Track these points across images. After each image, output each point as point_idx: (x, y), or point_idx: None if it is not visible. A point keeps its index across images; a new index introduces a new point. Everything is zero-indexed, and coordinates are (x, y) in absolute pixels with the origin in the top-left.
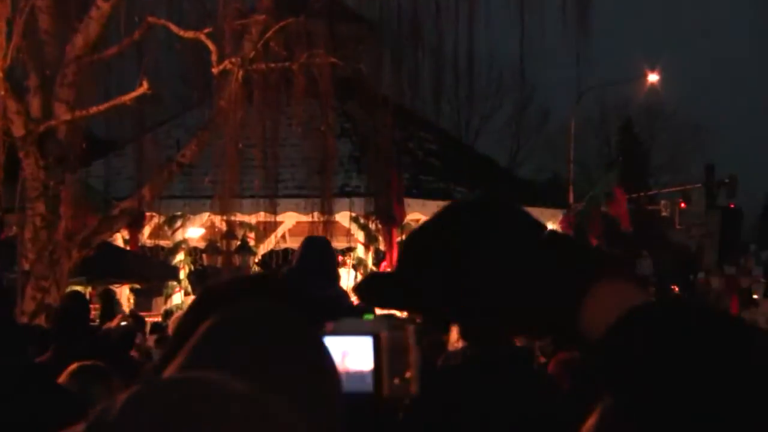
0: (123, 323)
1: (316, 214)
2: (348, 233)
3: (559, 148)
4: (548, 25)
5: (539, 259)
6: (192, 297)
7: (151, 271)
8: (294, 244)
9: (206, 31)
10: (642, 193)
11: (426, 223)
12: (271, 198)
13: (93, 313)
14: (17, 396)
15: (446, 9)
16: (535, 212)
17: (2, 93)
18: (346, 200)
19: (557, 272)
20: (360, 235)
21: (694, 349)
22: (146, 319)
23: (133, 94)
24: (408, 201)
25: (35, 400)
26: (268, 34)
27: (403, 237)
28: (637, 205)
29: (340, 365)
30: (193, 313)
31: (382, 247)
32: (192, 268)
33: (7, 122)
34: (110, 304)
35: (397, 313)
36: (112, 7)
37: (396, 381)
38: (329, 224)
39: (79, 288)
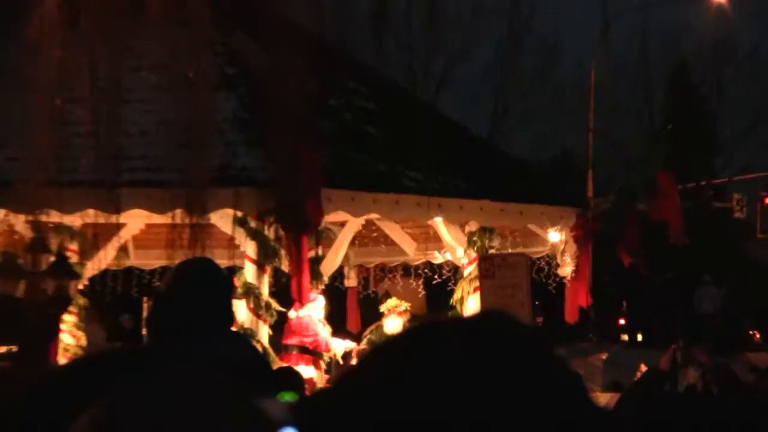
0: None
1: (178, 212)
2: (230, 244)
3: (573, 110)
4: None
5: None
6: None
7: None
8: (143, 260)
9: None
10: (704, 183)
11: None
12: (109, 187)
13: None
14: None
15: None
16: (533, 212)
17: None
18: (228, 191)
19: None
20: (250, 248)
21: None
22: None
23: None
24: (328, 193)
25: None
26: None
27: (320, 252)
28: (696, 201)
29: None
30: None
31: (285, 267)
32: None
33: None
34: None
35: None
36: None
37: None
38: (199, 230)
39: None
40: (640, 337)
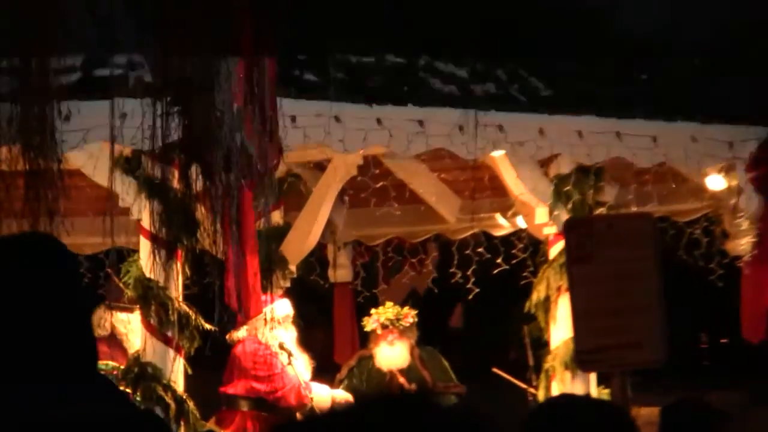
0: None
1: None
2: (107, 207)
3: None
4: None
5: None
6: None
7: None
8: None
9: None
10: None
11: None
12: None
13: None
14: None
15: None
16: (676, 138)
17: None
18: (99, 106)
19: None
20: (144, 214)
21: None
22: None
23: None
24: (293, 108)
25: None
26: None
27: (281, 219)
28: None
29: None
30: None
31: (214, 248)
32: None
33: None
34: None
35: None
36: None
37: None
38: (46, 180)
39: None
40: None
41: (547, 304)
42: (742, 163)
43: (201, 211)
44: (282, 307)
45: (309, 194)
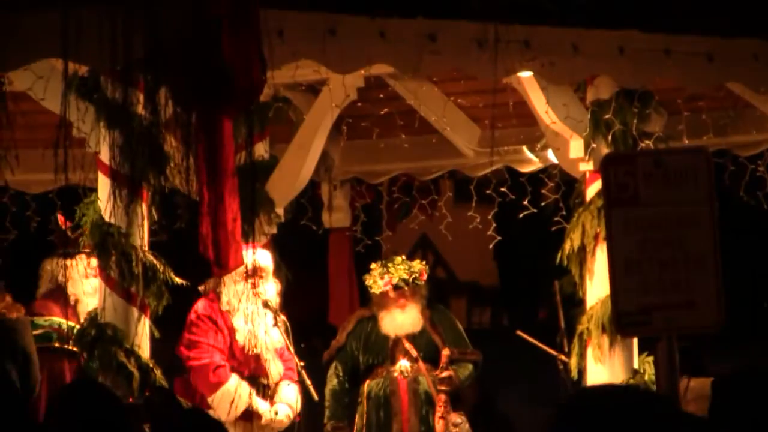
0: None
1: None
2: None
3: None
4: None
5: None
6: None
7: None
8: None
9: None
10: None
11: None
12: None
13: None
14: None
15: None
16: (738, 56)
17: None
18: (49, 17)
19: None
20: (104, 147)
21: None
22: None
23: None
24: (279, 20)
25: None
26: None
27: (265, 152)
28: None
29: None
30: None
31: (186, 188)
32: None
33: None
34: None
35: None
36: None
37: None
38: None
39: None
40: None
41: (582, 254)
42: None
43: (170, 143)
44: (262, 259)
45: (300, 122)
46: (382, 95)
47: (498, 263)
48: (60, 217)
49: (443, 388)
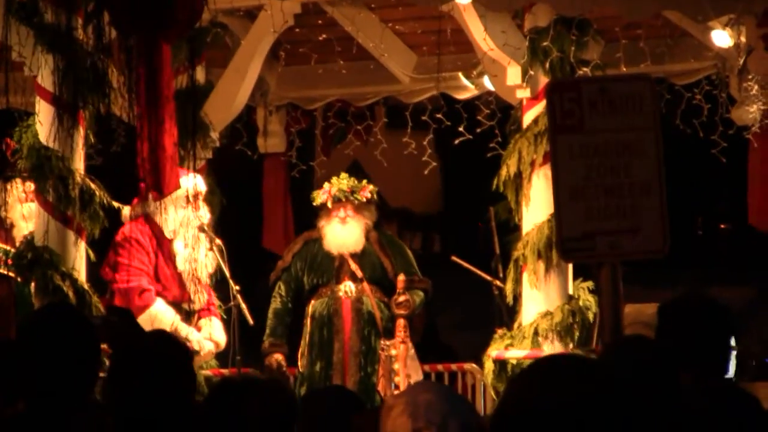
0: None
1: None
2: None
3: None
4: None
5: None
6: None
7: None
8: None
9: None
10: None
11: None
12: None
13: None
14: None
15: None
16: None
17: None
18: None
19: None
20: (44, 71)
21: None
22: None
23: None
24: None
25: None
26: None
27: (202, 77)
28: None
29: None
30: None
31: (123, 112)
32: None
33: None
34: None
35: None
36: None
37: None
38: None
39: None
40: None
41: (518, 181)
42: (752, 16)
43: (109, 68)
44: (201, 184)
45: (236, 47)
46: (320, 21)
47: (433, 190)
48: (8, 140)
49: (401, 312)
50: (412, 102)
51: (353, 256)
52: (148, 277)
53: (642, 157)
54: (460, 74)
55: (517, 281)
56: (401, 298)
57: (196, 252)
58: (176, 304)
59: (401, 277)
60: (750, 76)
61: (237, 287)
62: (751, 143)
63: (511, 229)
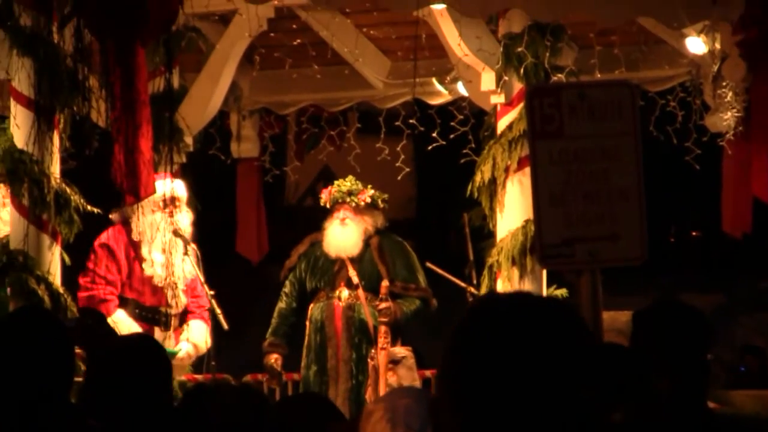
0: None
1: None
2: None
3: None
4: None
5: None
6: None
7: None
8: None
9: None
10: None
11: None
12: None
13: None
14: None
15: None
16: None
17: None
18: None
19: None
20: (20, 74)
21: None
22: None
23: None
24: None
25: None
26: None
27: (176, 81)
28: None
29: None
30: None
31: (99, 118)
32: None
33: None
34: None
35: None
36: None
37: None
38: None
39: None
40: None
41: (492, 187)
42: (727, 23)
43: (84, 71)
44: (179, 189)
45: (210, 52)
46: (294, 26)
47: (406, 195)
48: None
49: (383, 319)
50: (386, 107)
51: (353, 261)
52: (111, 287)
53: (621, 164)
54: (433, 80)
55: (491, 288)
56: (382, 305)
57: (173, 257)
58: (153, 309)
59: (384, 283)
60: (724, 83)
61: (212, 292)
62: (725, 150)
63: (485, 235)
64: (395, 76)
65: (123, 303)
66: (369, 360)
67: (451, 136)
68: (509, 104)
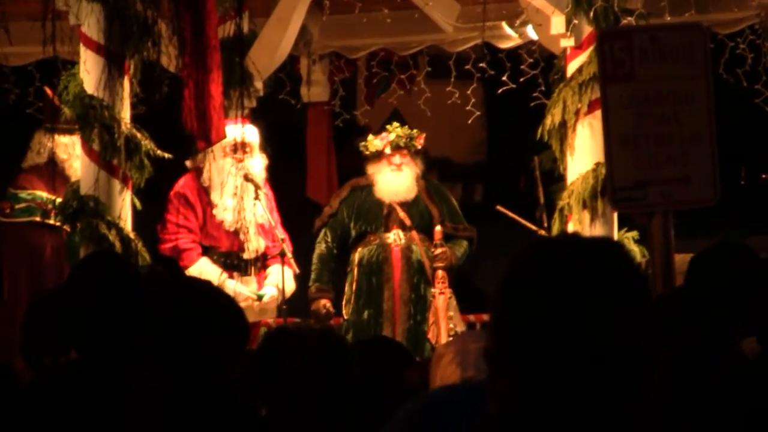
0: None
1: None
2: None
3: None
4: None
5: None
6: None
7: None
8: None
9: None
10: None
11: None
12: None
13: None
14: None
15: None
16: None
17: None
18: None
19: None
20: (89, 20)
21: None
22: None
23: None
24: None
25: None
26: None
27: (245, 26)
28: None
29: None
30: None
31: (169, 63)
32: None
33: None
34: None
35: None
36: None
37: None
38: None
39: None
40: None
41: (562, 130)
42: None
43: (154, 16)
44: (250, 134)
45: None
46: None
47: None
48: (48, 90)
49: (439, 264)
50: (456, 51)
51: (402, 204)
52: (191, 234)
53: (692, 106)
54: (503, 23)
55: (563, 231)
56: (438, 251)
57: (243, 202)
58: (231, 254)
59: (438, 228)
60: None
61: (283, 236)
62: None
63: (555, 178)
64: (465, 19)
65: (204, 251)
66: (431, 299)
67: (521, 79)
68: (579, 47)
